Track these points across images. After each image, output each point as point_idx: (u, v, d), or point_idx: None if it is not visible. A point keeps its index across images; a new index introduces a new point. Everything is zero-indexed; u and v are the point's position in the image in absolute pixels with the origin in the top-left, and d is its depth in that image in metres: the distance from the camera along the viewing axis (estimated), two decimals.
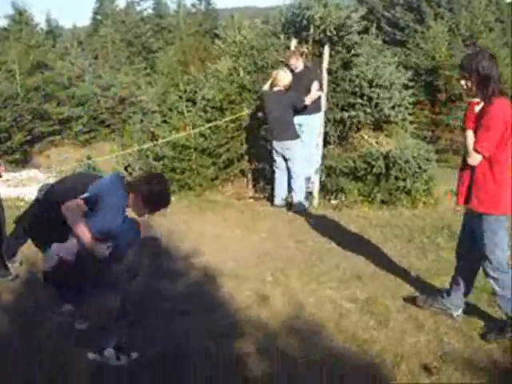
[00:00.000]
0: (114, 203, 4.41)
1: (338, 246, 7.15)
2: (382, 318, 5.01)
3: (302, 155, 9.07)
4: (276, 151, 9.06)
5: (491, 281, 4.69)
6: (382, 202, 9.35)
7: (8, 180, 12.11)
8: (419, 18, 18.79)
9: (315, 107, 9.15)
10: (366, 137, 9.60)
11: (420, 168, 9.27)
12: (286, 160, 9.04)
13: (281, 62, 9.87)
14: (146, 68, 24.06)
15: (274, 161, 9.20)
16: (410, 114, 10.11)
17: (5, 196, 10.60)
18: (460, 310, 4.97)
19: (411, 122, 10.31)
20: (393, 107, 9.59)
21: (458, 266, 4.97)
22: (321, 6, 9.36)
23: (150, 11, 30.58)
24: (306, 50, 9.66)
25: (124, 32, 25.39)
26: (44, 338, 4.65)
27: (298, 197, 9.08)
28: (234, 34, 10.39)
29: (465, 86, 4.56)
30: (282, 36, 10.16)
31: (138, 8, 29.71)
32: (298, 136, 8.94)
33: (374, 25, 10.79)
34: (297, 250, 7.13)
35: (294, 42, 9.83)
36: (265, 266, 6.46)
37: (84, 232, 4.21)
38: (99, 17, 30.07)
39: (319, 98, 9.17)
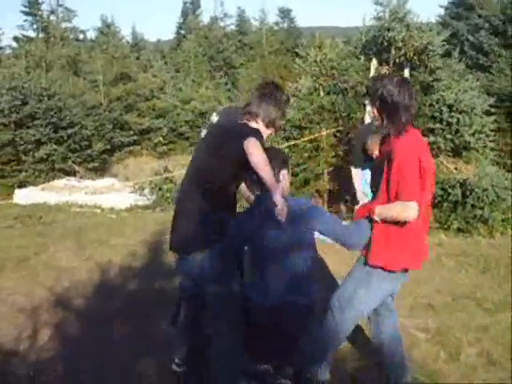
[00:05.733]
0: None
1: (411, 273, 7.02)
2: (453, 350, 4.89)
3: None
4: None
5: None
6: (458, 229, 9.16)
7: (87, 187, 12.45)
8: (504, 43, 18.33)
9: None
10: (444, 162, 9.43)
11: (498, 197, 9.05)
12: None
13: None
14: (226, 83, 24.34)
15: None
16: (491, 141, 9.88)
17: (82, 203, 11.02)
18: None
19: (492, 149, 10.08)
20: (473, 133, 9.40)
21: None
22: (403, 27, 9.30)
23: (233, 27, 31.01)
24: (387, 72, 9.61)
25: (207, 47, 25.76)
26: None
27: None
28: (314, 52, 10.40)
29: (372, 114, 3.95)
30: (362, 57, 10.14)
31: (222, 24, 30.16)
32: None
33: (457, 49, 10.61)
34: None
35: (374, 63, 9.79)
36: None
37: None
38: (183, 31, 30.66)
39: None
